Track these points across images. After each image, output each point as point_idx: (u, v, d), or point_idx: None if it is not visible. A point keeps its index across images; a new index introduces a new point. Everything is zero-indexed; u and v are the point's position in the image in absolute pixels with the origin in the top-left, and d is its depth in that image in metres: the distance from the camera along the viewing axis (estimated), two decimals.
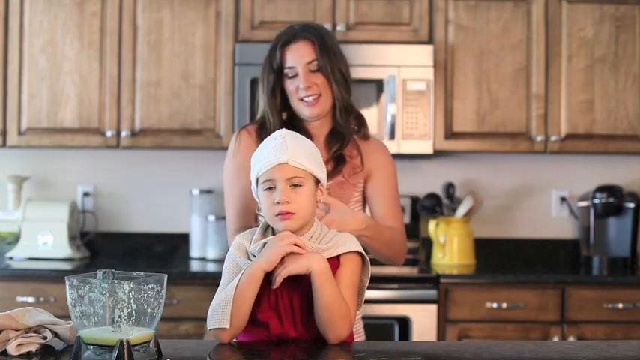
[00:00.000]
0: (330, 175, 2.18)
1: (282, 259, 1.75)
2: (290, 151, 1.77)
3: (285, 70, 2.24)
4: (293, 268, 1.73)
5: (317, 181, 1.81)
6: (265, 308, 1.78)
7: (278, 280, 1.73)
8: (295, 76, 2.23)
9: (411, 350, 1.82)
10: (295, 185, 1.76)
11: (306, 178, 1.77)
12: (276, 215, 1.77)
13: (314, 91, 2.22)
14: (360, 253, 1.82)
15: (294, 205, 1.76)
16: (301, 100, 2.24)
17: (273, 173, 1.77)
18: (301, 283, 1.77)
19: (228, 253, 1.86)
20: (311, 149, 1.83)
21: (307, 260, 1.74)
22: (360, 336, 2.30)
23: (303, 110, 2.25)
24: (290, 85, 2.25)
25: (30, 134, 3.71)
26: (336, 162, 2.27)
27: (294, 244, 1.74)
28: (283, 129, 1.85)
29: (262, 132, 2.23)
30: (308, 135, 2.22)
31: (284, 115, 2.29)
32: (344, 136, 2.29)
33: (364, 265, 1.84)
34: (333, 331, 1.75)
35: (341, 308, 1.74)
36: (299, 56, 2.23)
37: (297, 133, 1.85)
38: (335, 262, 1.79)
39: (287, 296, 1.78)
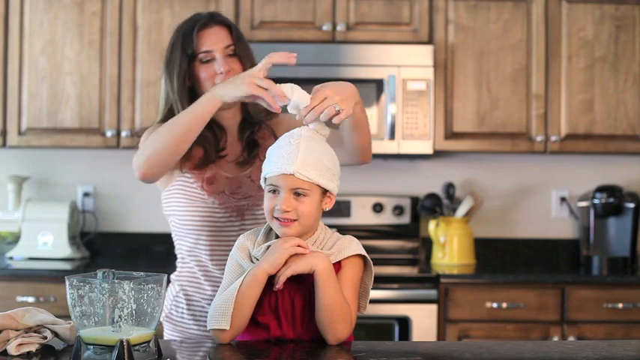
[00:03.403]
0: (249, 162, 2.16)
1: (286, 261, 1.75)
2: (299, 162, 1.74)
3: (200, 55, 2.12)
4: (297, 267, 1.72)
5: (326, 190, 1.79)
6: (266, 310, 1.77)
7: (282, 279, 1.72)
8: (210, 61, 2.12)
9: (411, 350, 1.82)
10: (299, 194, 1.76)
11: (311, 189, 1.76)
12: (275, 218, 1.77)
13: (231, 76, 2.08)
14: (363, 256, 1.82)
15: (295, 213, 1.75)
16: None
17: (278, 180, 1.76)
18: (303, 285, 1.77)
19: (230, 254, 1.85)
20: (324, 157, 1.78)
21: (311, 259, 1.73)
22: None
23: None
24: (203, 72, 2.12)
25: (30, 134, 3.71)
26: (250, 147, 2.19)
27: (298, 246, 1.74)
28: (304, 128, 1.80)
29: None
30: (219, 126, 2.18)
31: None
32: (254, 121, 2.20)
33: (367, 267, 1.83)
34: (333, 332, 1.74)
35: (342, 309, 1.74)
36: (217, 40, 2.13)
37: (316, 136, 1.80)
38: (337, 266, 1.79)
39: (288, 298, 1.78)
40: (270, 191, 1.78)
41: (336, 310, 1.73)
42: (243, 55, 2.15)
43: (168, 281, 1.67)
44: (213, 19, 2.17)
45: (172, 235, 2.24)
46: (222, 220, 2.13)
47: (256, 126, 2.22)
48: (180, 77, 2.13)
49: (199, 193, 2.14)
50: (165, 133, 1.98)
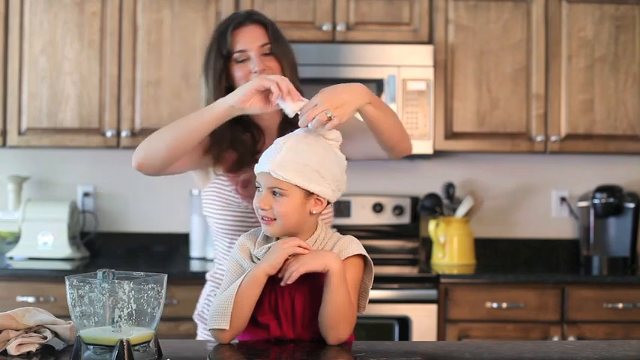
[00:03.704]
0: None
1: (287, 260, 1.75)
2: (277, 161, 1.73)
3: (235, 55, 2.10)
4: (311, 265, 1.71)
5: (311, 192, 1.75)
6: (266, 311, 1.77)
7: (295, 275, 1.71)
8: (245, 60, 2.10)
9: (411, 350, 1.82)
10: (276, 193, 1.75)
11: (289, 189, 1.74)
12: (260, 216, 1.78)
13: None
14: (364, 256, 1.81)
15: (272, 212, 1.76)
16: None
17: (259, 178, 1.78)
18: (303, 286, 1.77)
19: (231, 254, 1.85)
20: (311, 158, 1.74)
21: (326, 259, 1.72)
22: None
23: None
24: (239, 71, 2.10)
25: (30, 134, 3.71)
26: None
27: (299, 246, 1.74)
28: (304, 129, 1.79)
29: None
30: (257, 128, 2.15)
31: None
32: (294, 122, 2.14)
33: (367, 267, 1.83)
34: (335, 332, 1.74)
35: (349, 311, 1.74)
36: (252, 39, 2.10)
37: (312, 138, 1.77)
38: None
39: (288, 298, 1.77)
40: (257, 187, 1.79)
41: (343, 312, 1.73)
42: (279, 53, 2.11)
43: (169, 281, 1.67)
44: (249, 17, 2.14)
45: (212, 235, 2.24)
46: (256, 225, 2.12)
47: (297, 127, 2.19)
48: (215, 77, 2.11)
49: (233, 197, 2.13)
50: (169, 129, 1.98)
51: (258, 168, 1.77)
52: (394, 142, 2.03)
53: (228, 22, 2.14)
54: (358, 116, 1.94)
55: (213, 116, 1.92)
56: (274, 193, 1.75)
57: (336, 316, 1.73)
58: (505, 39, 3.74)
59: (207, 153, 2.13)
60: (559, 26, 3.74)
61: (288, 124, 2.17)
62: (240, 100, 1.88)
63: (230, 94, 1.91)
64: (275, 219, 1.76)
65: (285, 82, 1.84)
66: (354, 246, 1.80)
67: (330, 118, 1.77)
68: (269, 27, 2.13)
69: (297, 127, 1.93)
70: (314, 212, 1.78)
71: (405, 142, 2.07)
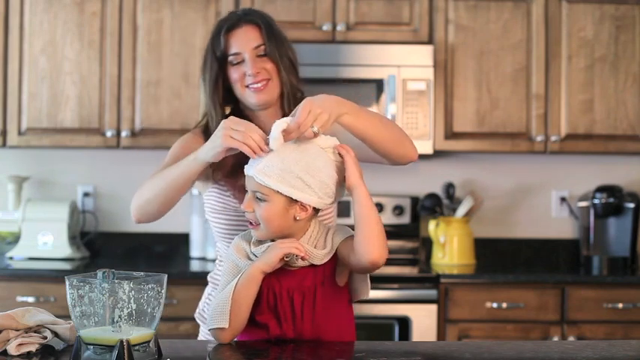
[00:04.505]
0: None
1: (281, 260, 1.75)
2: (261, 166, 1.73)
3: (230, 58, 2.07)
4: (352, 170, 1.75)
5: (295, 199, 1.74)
6: (264, 310, 1.78)
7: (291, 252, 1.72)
8: (240, 62, 2.07)
9: (411, 350, 1.82)
10: (259, 198, 1.75)
11: (270, 195, 1.73)
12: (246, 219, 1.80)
13: (263, 77, 2.06)
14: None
15: (254, 216, 1.76)
16: (247, 87, 2.07)
17: (246, 181, 1.78)
18: (301, 285, 1.77)
19: (227, 255, 1.86)
20: (296, 165, 1.72)
21: (350, 179, 1.75)
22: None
23: (250, 98, 2.08)
24: (234, 73, 2.08)
25: (30, 134, 3.71)
26: None
27: (295, 247, 1.73)
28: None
29: (207, 132, 2.07)
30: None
31: (228, 110, 2.13)
32: None
33: None
34: (380, 248, 1.72)
35: (381, 228, 1.74)
36: (245, 41, 2.07)
37: (301, 145, 1.75)
38: (334, 259, 1.79)
39: (287, 297, 1.78)
40: (247, 192, 1.80)
41: (378, 229, 1.73)
42: (274, 54, 2.09)
43: (169, 281, 1.67)
44: (243, 18, 2.11)
45: (214, 237, 2.26)
46: None
47: None
48: (211, 81, 2.09)
49: (232, 201, 2.12)
50: (155, 185, 2.00)
51: (245, 171, 1.78)
52: (387, 151, 1.99)
53: (222, 24, 2.12)
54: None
55: (191, 171, 1.91)
56: (257, 197, 1.75)
57: (379, 229, 1.73)
58: (505, 39, 3.74)
59: None
60: (559, 26, 3.74)
61: None
62: (215, 158, 1.86)
63: (206, 146, 1.86)
64: (258, 223, 1.77)
65: (253, 137, 1.75)
66: (342, 231, 1.81)
67: (316, 134, 1.75)
68: (263, 27, 2.11)
69: None
70: (298, 218, 1.76)
71: (401, 149, 2.00)
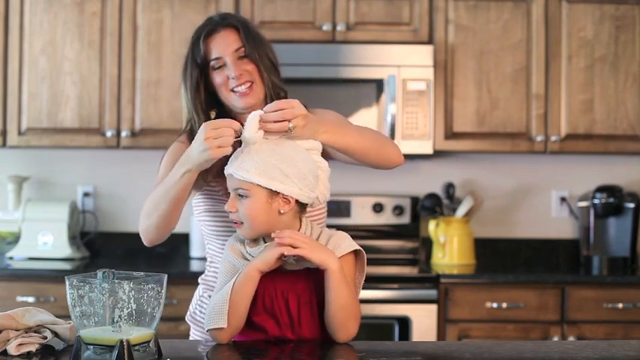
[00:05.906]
0: None
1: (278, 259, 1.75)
2: (238, 162, 1.75)
3: (212, 63, 2.09)
4: (309, 254, 1.71)
5: (276, 191, 1.75)
6: (260, 311, 1.78)
7: (291, 252, 1.71)
8: (222, 66, 2.08)
9: (411, 350, 1.82)
10: (241, 195, 1.76)
11: (251, 189, 1.74)
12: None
13: (246, 79, 2.07)
14: (359, 251, 1.82)
15: (238, 215, 1.77)
16: (232, 91, 2.08)
17: (228, 181, 1.79)
18: (296, 285, 1.78)
19: (223, 256, 1.86)
20: (273, 156, 1.74)
21: (325, 256, 1.72)
22: None
23: (236, 102, 2.09)
24: (217, 78, 2.09)
25: (30, 134, 3.71)
26: None
27: (290, 245, 1.73)
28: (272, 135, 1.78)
29: (193, 137, 2.05)
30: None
31: (213, 114, 2.13)
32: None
33: (358, 261, 1.84)
34: (346, 330, 1.76)
35: (354, 307, 1.76)
36: (225, 45, 2.08)
37: (280, 141, 1.77)
38: None
39: (281, 298, 1.78)
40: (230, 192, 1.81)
41: (348, 310, 1.74)
42: (254, 55, 2.10)
43: (169, 281, 1.67)
44: (221, 23, 2.13)
45: (204, 239, 2.26)
46: None
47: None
48: (192, 87, 2.10)
49: (223, 201, 2.13)
50: (154, 209, 2.01)
51: (225, 171, 1.79)
52: (370, 160, 2.06)
53: (201, 30, 2.13)
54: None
55: (184, 185, 1.91)
56: (240, 194, 1.76)
57: (345, 315, 1.74)
58: (505, 39, 3.74)
59: None
60: (559, 26, 3.74)
61: None
62: (207, 166, 1.87)
63: (193, 156, 1.86)
64: (242, 222, 1.77)
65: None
66: (347, 242, 1.81)
67: (289, 130, 1.78)
68: (241, 30, 2.11)
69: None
70: (282, 212, 1.77)
71: (383, 157, 2.08)
